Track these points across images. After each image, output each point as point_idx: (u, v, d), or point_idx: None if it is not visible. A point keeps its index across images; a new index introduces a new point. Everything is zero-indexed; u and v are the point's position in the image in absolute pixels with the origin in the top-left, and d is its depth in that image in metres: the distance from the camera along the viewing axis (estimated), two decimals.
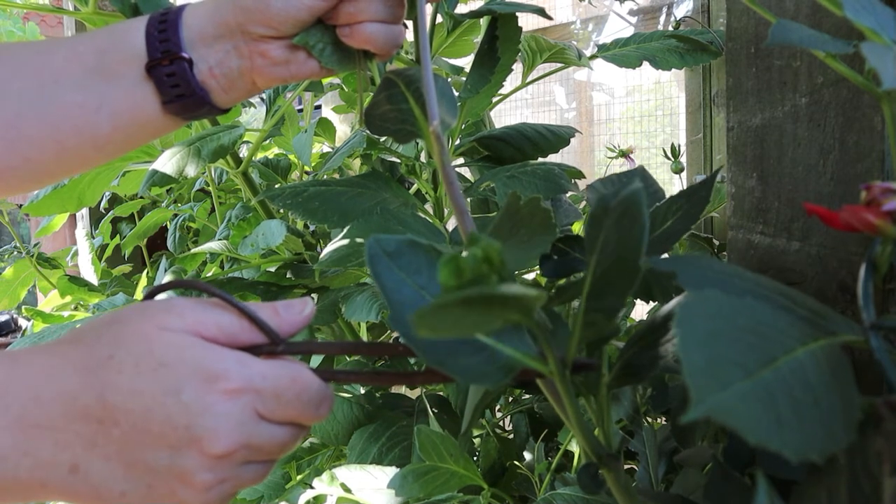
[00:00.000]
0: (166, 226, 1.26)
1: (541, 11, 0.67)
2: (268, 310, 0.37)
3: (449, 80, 0.94)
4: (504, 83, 0.71)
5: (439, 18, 0.67)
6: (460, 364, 0.29)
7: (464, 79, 0.68)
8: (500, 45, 0.64)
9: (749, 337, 0.21)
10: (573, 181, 0.68)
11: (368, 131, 0.51)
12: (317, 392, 0.36)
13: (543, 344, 0.29)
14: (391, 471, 0.59)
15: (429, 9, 0.65)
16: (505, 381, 0.29)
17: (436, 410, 0.67)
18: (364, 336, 1.00)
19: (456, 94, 0.67)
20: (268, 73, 0.49)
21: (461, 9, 0.74)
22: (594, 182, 0.46)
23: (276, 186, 0.65)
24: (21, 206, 1.01)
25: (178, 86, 0.48)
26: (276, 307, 0.38)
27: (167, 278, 0.80)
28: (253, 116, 1.35)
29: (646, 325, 0.32)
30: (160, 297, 0.39)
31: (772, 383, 0.20)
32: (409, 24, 0.62)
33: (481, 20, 0.82)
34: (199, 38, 0.48)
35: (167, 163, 0.73)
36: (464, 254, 0.23)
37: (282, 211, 0.93)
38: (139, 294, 0.88)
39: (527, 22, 0.69)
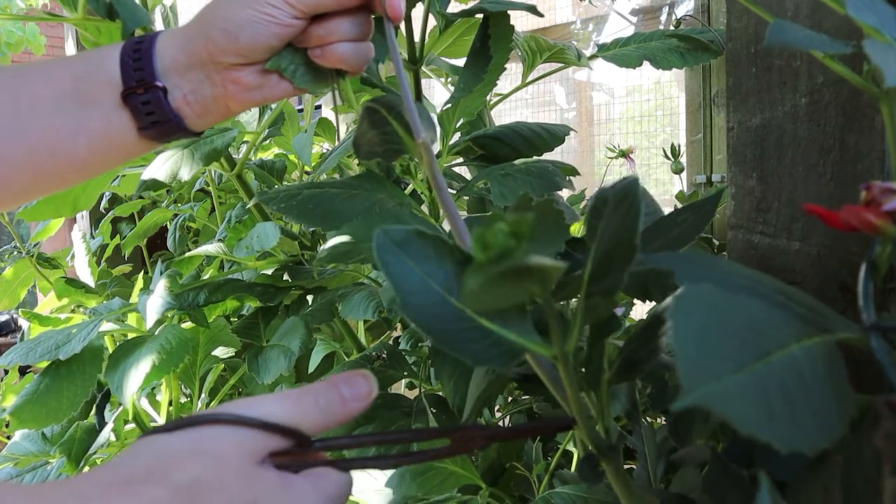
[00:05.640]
0: (166, 226, 1.26)
1: (532, 9, 0.67)
2: (333, 394, 0.37)
3: (449, 80, 0.94)
4: (499, 82, 0.71)
5: (432, 19, 0.67)
6: (469, 349, 0.30)
7: None
8: (492, 43, 0.64)
9: (742, 331, 0.22)
10: (568, 179, 0.68)
11: (358, 159, 0.53)
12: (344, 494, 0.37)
13: (552, 326, 0.29)
14: (389, 471, 0.59)
15: (419, 11, 0.65)
16: (511, 364, 0.30)
17: (434, 410, 0.67)
18: (362, 335, 1.00)
19: (450, 94, 0.67)
20: (241, 98, 0.50)
21: (457, 8, 0.74)
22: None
23: (271, 189, 0.65)
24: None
25: (153, 113, 0.49)
26: (341, 390, 0.38)
27: (163, 281, 0.79)
28: (252, 117, 1.35)
29: (644, 322, 0.33)
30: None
31: (764, 376, 0.21)
32: (403, 24, 0.62)
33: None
34: (173, 67, 0.49)
35: (161, 167, 0.73)
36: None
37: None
38: (135, 297, 0.88)
39: (527, 22, 0.69)
